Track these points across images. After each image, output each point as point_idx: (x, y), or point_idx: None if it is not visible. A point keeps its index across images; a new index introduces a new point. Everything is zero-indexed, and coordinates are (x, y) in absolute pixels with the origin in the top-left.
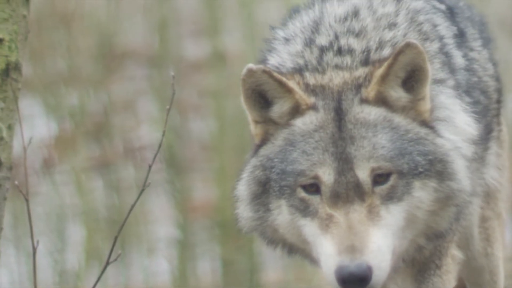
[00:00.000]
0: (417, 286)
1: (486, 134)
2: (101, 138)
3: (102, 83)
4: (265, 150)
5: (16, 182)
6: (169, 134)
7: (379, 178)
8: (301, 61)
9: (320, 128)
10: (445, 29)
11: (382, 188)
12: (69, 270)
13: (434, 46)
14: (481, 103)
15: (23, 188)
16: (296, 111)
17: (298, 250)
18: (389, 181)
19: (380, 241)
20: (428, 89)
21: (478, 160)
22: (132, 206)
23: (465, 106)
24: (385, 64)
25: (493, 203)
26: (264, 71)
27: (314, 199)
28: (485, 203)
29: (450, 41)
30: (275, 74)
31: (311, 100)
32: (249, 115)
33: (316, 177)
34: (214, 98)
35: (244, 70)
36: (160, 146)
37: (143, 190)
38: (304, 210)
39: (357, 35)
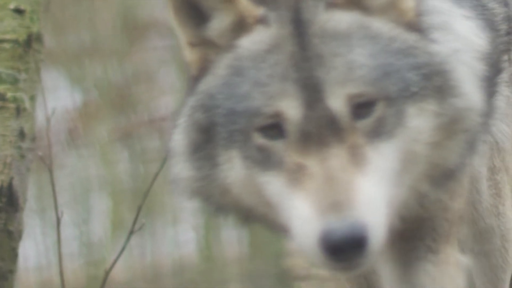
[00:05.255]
0: (405, 271)
1: (494, 76)
2: (125, 109)
3: (125, 54)
4: (205, 85)
5: (40, 153)
6: None
7: (360, 109)
8: None
9: (274, 47)
10: None
11: (366, 122)
12: (94, 241)
13: None
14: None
15: (47, 159)
16: (241, 27)
17: (257, 217)
18: (374, 111)
19: (372, 190)
20: None
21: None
22: (156, 175)
23: (468, 14)
24: None
25: (501, 155)
26: None
27: (277, 146)
28: (495, 152)
29: None
30: None
31: (259, 10)
32: (181, 36)
33: (277, 115)
34: None
35: None
36: None
37: (166, 159)
38: (265, 161)
39: None
